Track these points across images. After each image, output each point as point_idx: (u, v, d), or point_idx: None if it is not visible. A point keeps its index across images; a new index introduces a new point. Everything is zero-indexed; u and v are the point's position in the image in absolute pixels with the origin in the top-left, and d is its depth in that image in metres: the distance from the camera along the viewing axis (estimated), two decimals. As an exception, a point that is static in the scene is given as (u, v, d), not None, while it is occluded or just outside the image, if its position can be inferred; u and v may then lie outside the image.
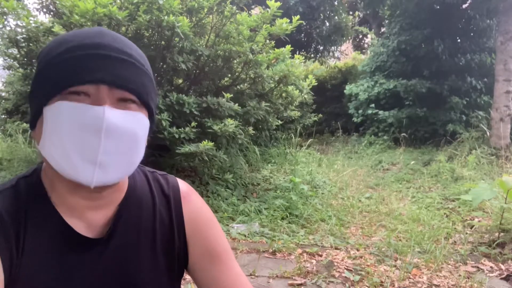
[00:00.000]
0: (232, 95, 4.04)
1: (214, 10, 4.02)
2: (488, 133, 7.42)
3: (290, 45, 4.49)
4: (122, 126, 0.59)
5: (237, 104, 4.01)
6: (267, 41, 4.48)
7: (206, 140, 3.61)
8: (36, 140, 0.64)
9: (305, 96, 5.93)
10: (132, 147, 0.62)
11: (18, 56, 3.97)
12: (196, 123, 3.69)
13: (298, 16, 4.14)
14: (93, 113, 0.57)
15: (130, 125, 0.61)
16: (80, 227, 0.66)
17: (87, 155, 0.57)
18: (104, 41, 0.60)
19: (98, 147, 0.57)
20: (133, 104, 0.62)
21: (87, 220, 0.67)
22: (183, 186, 0.81)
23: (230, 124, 3.77)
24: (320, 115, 9.72)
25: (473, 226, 3.92)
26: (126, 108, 0.61)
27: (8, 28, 3.66)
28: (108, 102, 0.59)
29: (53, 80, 0.59)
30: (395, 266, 2.88)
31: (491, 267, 2.93)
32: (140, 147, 0.64)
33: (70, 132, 0.57)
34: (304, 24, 10.87)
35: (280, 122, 5.63)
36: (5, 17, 3.53)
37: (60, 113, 0.58)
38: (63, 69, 0.58)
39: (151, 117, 0.67)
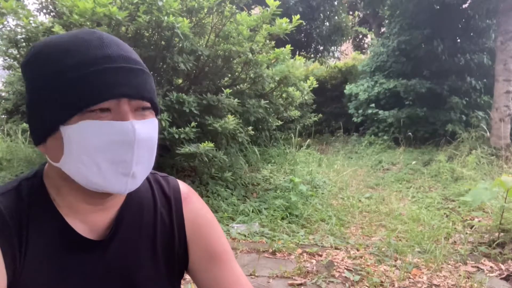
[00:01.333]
0: (231, 90, 4.04)
1: (214, 10, 4.02)
2: (488, 133, 7.42)
3: (290, 45, 4.49)
4: (147, 137, 0.62)
5: (236, 99, 4.01)
6: (267, 41, 4.48)
7: (206, 141, 3.61)
8: (50, 156, 0.62)
9: (305, 96, 5.93)
10: (152, 152, 0.65)
11: (18, 56, 3.96)
12: (196, 123, 3.69)
13: (298, 16, 4.14)
14: (123, 129, 0.58)
15: (152, 133, 0.64)
16: (82, 229, 0.66)
17: (121, 169, 0.60)
18: (113, 51, 0.60)
19: (131, 160, 0.60)
20: (148, 110, 0.64)
21: (90, 222, 0.67)
22: (184, 187, 0.81)
23: (231, 121, 3.77)
24: (320, 115, 9.71)
25: (473, 226, 3.92)
26: (144, 116, 0.63)
27: (8, 28, 3.66)
28: (130, 115, 0.60)
29: (70, 99, 0.57)
30: (395, 266, 2.88)
31: (491, 267, 2.93)
32: (156, 148, 0.67)
33: (102, 150, 0.58)
34: (304, 24, 10.85)
35: (280, 122, 5.63)
36: (4, 17, 3.53)
37: (87, 133, 0.57)
38: (82, 87, 0.57)
39: (156, 114, 0.69)
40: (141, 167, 0.62)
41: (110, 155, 0.58)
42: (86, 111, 0.57)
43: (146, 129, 0.62)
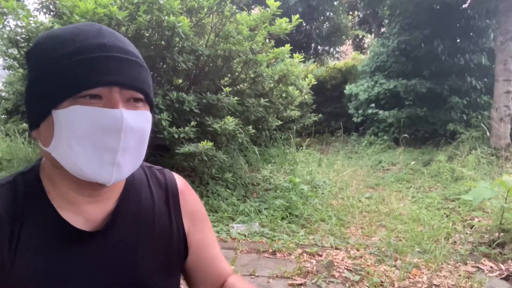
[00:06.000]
0: (230, 89, 4.04)
1: (214, 10, 4.02)
2: (488, 133, 7.42)
3: (289, 45, 4.48)
4: (136, 127, 0.62)
5: (236, 98, 4.01)
6: (267, 40, 4.48)
7: (206, 140, 3.61)
8: (41, 141, 0.64)
9: (305, 96, 5.93)
10: (142, 144, 0.66)
11: (18, 56, 3.97)
12: (196, 122, 3.69)
13: (298, 15, 4.14)
14: (112, 116, 0.59)
15: (141, 124, 0.64)
16: (77, 221, 0.66)
17: (107, 157, 0.60)
18: (109, 41, 0.62)
19: (118, 148, 0.60)
20: (141, 102, 0.65)
21: (86, 215, 0.67)
22: (180, 181, 0.83)
23: (230, 122, 3.77)
24: (320, 115, 9.71)
25: (473, 226, 3.91)
26: (135, 107, 0.64)
27: (8, 28, 3.66)
28: (121, 103, 0.61)
29: (63, 83, 0.59)
30: (395, 266, 2.88)
31: (491, 267, 2.93)
32: (147, 141, 0.68)
33: (90, 136, 0.59)
34: (304, 24, 10.86)
35: (280, 122, 5.63)
36: (5, 17, 3.53)
37: (77, 118, 0.58)
38: (75, 72, 0.58)
39: (151, 110, 0.70)
40: (128, 157, 0.63)
41: (97, 142, 0.59)
42: (77, 96, 0.59)
43: (137, 119, 0.62)
